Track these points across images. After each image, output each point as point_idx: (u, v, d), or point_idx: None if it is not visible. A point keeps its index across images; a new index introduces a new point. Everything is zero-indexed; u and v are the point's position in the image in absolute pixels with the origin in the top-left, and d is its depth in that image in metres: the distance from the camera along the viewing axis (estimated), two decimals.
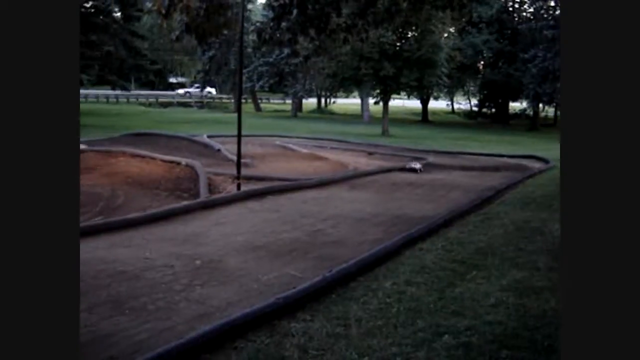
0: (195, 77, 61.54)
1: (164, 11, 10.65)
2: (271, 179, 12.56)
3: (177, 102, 54.70)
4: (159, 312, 5.30)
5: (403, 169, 14.67)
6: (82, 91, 51.94)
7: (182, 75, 72.71)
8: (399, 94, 41.00)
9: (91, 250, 7.06)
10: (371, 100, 43.50)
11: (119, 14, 34.68)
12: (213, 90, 58.74)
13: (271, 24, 12.81)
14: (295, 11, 12.06)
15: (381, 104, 33.78)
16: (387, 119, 32.44)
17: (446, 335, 4.65)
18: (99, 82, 50.02)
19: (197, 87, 57.93)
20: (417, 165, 14.84)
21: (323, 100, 60.23)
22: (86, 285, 5.91)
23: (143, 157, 13.02)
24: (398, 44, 31.03)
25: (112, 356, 4.45)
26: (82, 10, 28.93)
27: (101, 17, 30.46)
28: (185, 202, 9.62)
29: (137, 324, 5.05)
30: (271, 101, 61.71)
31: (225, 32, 16.28)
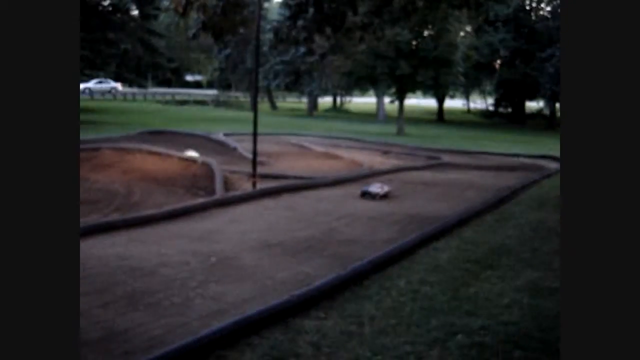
0: (211, 75, 61.70)
1: (181, 9, 10.72)
2: (286, 177, 12.60)
3: (194, 100, 54.88)
4: (174, 308, 5.34)
5: (365, 193, 10.93)
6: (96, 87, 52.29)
7: (199, 73, 72.99)
8: (414, 93, 40.89)
9: (107, 247, 7.13)
10: (387, 99, 43.45)
11: (136, 12, 34.86)
12: (119, 85, 52.55)
13: (287, 22, 12.85)
14: (311, 10, 12.09)
15: (397, 102, 33.71)
16: (403, 118, 32.36)
17: (460, 335, 4.66)
18: (116, 80, 50.41)
19: (100, 82, 51.12)
20: (377, 190, 10.99)
21: (338, 98, 60.20)
22: (102, 281, 5.98)
23: (159, 154, 13.10)
24: (414, 42, 30.92)
25: (127, 351, 4.50)
26: (100, 8, 29.11)
27: (119, 15, 30.62)
28: (201, 200, 9.69)
29: (152, 319, 5.10)
30: (287, 100, 61.80)
31: (242, 30, 16.32)
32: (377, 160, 16.85)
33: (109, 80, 50.21)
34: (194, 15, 12.36)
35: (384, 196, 10.80)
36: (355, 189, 11.92)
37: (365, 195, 10.73)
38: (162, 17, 50.33)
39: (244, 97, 53.22)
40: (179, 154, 13.11)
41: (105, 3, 30.29)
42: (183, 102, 53.16)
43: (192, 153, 13.53)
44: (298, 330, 4.81)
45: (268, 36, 27.79)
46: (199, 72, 73.15)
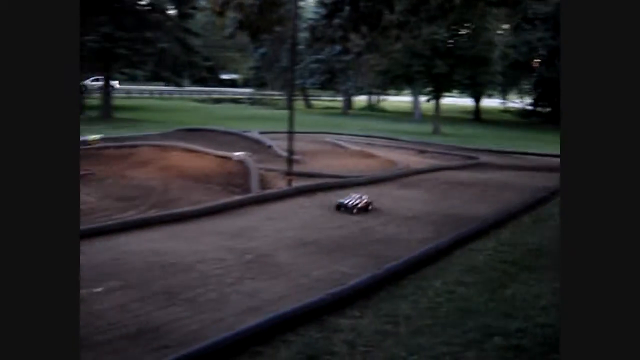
0: (247, 74, 62.07)
1: (219, 9, 10.82)
2: (321, 175, 12.61)
3: (229, 99, 55.30)
4: (210, 304, 5.40)
5: (341, 206, 9.34)
6: (136, 87, 53.14)
7: (234, 72, 73.51)
8: (451, 92, 40.53)
9: (144, 243, 7.24)
10: (423, 98, 43.18)
11: (173, 12, 35.27)
12: (116, 83, 49.63)
13: (323, 21, 12.87)
14: (347, 8, 12.08)
15: (433, 101, 33.46)
16: (439, 117, 32.11)
17: (496, 337, 4.60)
18: (153, 78, 51.07)
19: (96, 79, 45.30)
20: (355, 201, 9.36)
21: (373, 97, 60.01)
22: (139, 276, 6.07)
23: (196, 152, 13.23)
24: (451, 41, 30.64)
25: (164, 345, 4.56)
26: (138, 7, 29.49)
27: (156, 14, 31.01)
28: (237, 197, 9.75)
29: (189, 314, 5.16)
30: (322, 98, 61.89)
31: (278, 28, 16.39)
32: (412, 160, 16.75)
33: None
34: (230, 14, 12.46)
35: (364, 209, 9.21)
36: (391, 188, 11.88)
37: (341, 208, 9.19)
38: (199, 15, 50.83)
39: (278, 96, 53.44)
40: (216, 151, 13.23)
41: (143, 2, 30.69)
42: (218, 101, 53.64)
43: (240, 154, 13.58)
44: (333, 328, 4.81)
45: (304, 35, 27.84)
46: (234, 71, 73.67)
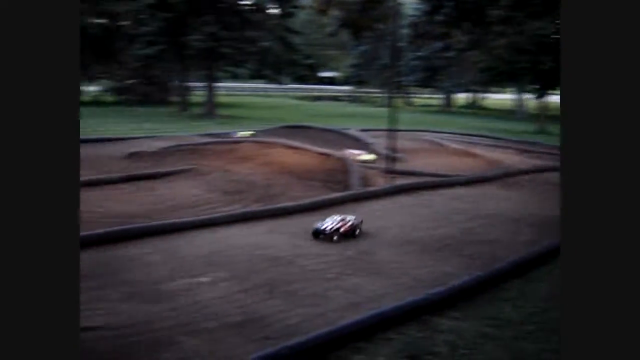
0: (346, 72, 62.33)
1: (322, 7, 10.95)
2: (422, 174, 12.47)
3: (328, 96, 55.77)
4: (311, 298, 5.47)
5: (318, 233, 7.42)
6: (238, 84, 54.57)
7: (334, 70, 74.03)
8: (557, 89, 39.00)
9: (247, 236, 7.44)
10: (526, 96, 41.75)
11: (275, 11, 35.94)
12: None
13: (425, 17, 12.72)
14: (450, 4, 11.89)
15: (538, 99, 32.30)
16: (544, 116, 30.97)
17: None
18: (255, 76, 52.26)
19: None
20: (336, 224, 7.47)
21: (475, 95, 58.69)
22: (242, 268, 6.25)
23: (297, 148, 13.43)
24: (558, 36, 29.46)
25: (266, 337, 4.67)
26: (239, 8, 30.24)
27: (259, 13, 31.70)
28: (337, 194, 9.82)
29: (290, 307, 5.26)
30: (421, 96, 61.21)
31: (379, 26, 16.37)
32: (515, 160, 16.24)
33: None
34: (333, 12, 12.58)
35: (348, 234, 7.45)
36: (493, 189, 11.59)
37: (320, 235, 7.38)
38: (300, 14, 51.54)
39: (378, 94, 53.32)
40: (316, 148, 13.37)
41: (246, 2, 31.46)
42: (317, 98, 54.19)
43: (365, 155, 13.71)
44: (434, 328, 4.77)
45: (405, 32, 27.65)
46: (334, 69, 74.16)
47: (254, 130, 17.97)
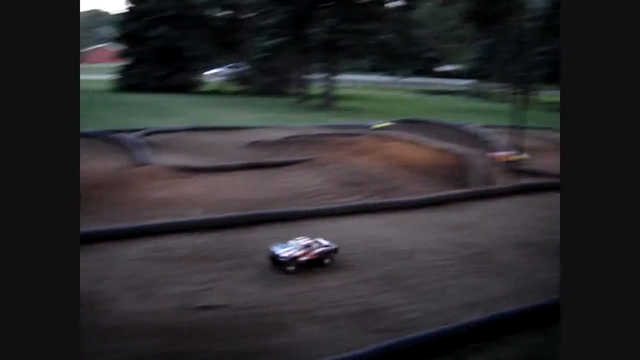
0: (466, 65, 60.91)
1: (447, 0, 10.75)
2: (547, 174, 11.88)
3: (447, 91, 54.74)
4: (430, 294, 5.46)
5: (275, 258, 6.10)
6: (354, 77, 54.77)
7: (454, 63, 72.57)
8: None
9: (366, 228, 7.49)
10: None
11: (396, 4, 35.64)
12: None
13: (553, 10, 12.16)
14: None
15: None
16: None
17: None
18: (374, 69, 52.26)
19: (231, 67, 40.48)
20: (295, 252, 6.04)
21: None
22: (361, 259, 6.31)
23: (415, 143, 13.31)
24: None
25: (384, 329, 4.71)
26: (361, 0, 30.27)
27: (379, 6, 31.56)
28: (456, 191, 9.64)
29: (408, 302, 5.28)
30: (546, 92, 58.72)
31: (506, 18, 15.86)
32: None
33: None
34: (457, 5, 12.29)
35: (314, 262, 6.08)
36: None
37: (275, 263, 6.08)
38: (421, 8, 50.89)
39: (500, 89, 51.74)
40: (435, 143, 13.19)
41: None
42: (436, 92, 53.29)
43: (518, 154, 13.41)
44: (556, 336, 4.59)
45: (532, 25, 26.55)
46: (454, 62, 72.67)
47: (390, 122, 18.06)
